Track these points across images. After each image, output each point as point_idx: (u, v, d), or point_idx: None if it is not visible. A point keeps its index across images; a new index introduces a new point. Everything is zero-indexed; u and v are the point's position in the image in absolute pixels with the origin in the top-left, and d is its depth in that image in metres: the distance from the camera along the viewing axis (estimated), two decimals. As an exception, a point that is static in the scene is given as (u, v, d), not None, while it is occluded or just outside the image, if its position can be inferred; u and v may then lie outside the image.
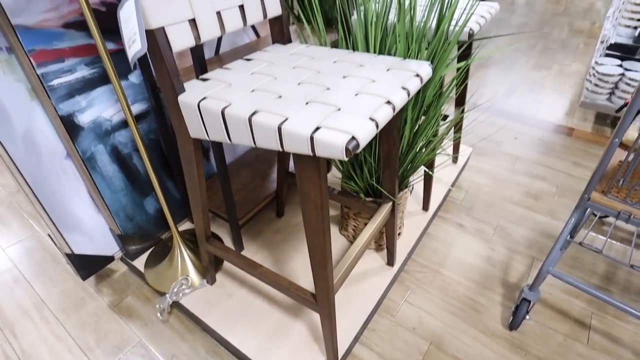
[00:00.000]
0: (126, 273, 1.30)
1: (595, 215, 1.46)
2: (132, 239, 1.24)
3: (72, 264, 1.15)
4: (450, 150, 1.75)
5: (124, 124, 1.09)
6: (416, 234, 1.33)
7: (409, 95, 0.70)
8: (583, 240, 1.15)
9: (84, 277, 1.21)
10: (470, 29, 1.02)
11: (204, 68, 0.88)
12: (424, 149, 1.11)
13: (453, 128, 1.48)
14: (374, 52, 0.93)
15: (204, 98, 0.70)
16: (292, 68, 0.80)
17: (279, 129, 0.60)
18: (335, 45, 1.25)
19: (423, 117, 1.04)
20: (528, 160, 1.88)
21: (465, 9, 1.02)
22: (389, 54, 0.93)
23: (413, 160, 1.08)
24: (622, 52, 2.16)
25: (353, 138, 0.56)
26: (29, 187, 1.00)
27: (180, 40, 0.70)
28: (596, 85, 2.08)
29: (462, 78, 1.28)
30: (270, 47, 0.94)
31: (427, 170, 1.24)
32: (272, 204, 1.47)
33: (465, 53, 1.19)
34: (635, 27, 2.26)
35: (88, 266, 1.20)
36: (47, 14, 0.87)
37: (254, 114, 0.63)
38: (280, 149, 0.63)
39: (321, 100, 0.66)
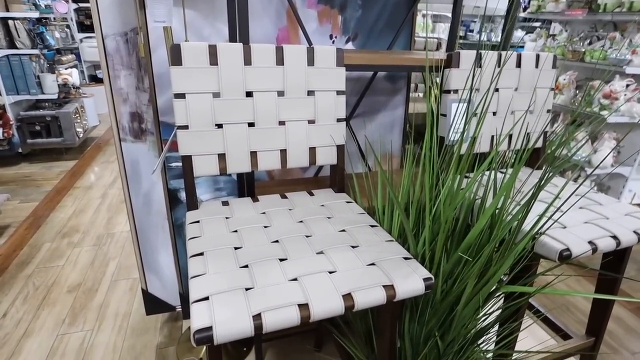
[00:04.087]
0: (183, 326, 1.45)
1: None
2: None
3: (143, 298, 1.39)
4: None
5: (215, 208, 1.28)
6: None
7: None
8: None
9: (148, 313, 1.42)
10: (567, 249, 0.73)
11: (250, 187, 0.96)
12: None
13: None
14: (395, 232, 0.78)
15: (197, 222, 0.77)
16: (296, 222, 0.78)
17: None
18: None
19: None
20: None
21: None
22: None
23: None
24: None
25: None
26: (135, 228, 1.30)
27: (204, 170, 0.81)
28: None
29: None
30: (321, 190, 0.94)
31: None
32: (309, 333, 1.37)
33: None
34: None
35: (154, 305, 1.41)
36: (183, 118, 1.16)
37: (197, 255, 0.65)
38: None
39: (258, 268, 0.61)
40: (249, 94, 0.80)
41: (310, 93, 0.85)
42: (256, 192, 0.98)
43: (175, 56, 0.74)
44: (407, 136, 1.43)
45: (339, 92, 0.87)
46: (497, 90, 1.03)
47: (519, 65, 1.04)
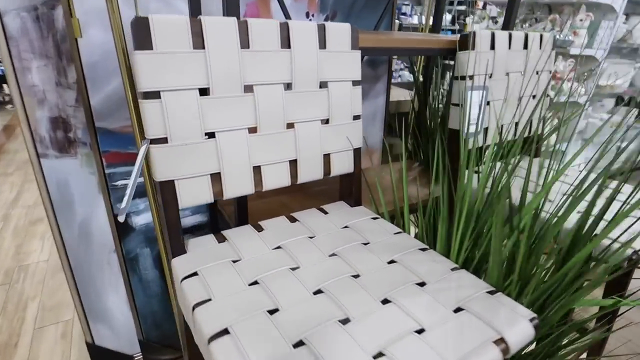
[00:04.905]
0: (140, 378, 1.18)
1: None
2: (153, 348, 1.13)
3: (90, 355, 1.08)
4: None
5: (178, 232, 1.03)
6: None
7: (472, 384, 0.41)
8: None
9: (95, 372, 1.12)
10: (636, 253, 0.66)
11: (243, 211, 0.74)
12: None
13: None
14: (455, 255, 0.65)
15: (193, 274, 0.54)
16: (328, 255, 0.59)
17: (227, 386, 0.38)
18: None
19: None
20: None
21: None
22: (478, 269, 0.63)
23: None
24: None
25: None
26: (70, 269, 0.99)
27: (192, 198, 0.58)
28: None
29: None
30: (333, 205, 0.76)
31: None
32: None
33: (618, 279, 0.77)
34: None
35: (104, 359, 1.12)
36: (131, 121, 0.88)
37: (219, 334, 0.44)
38: (229, 409, 0.40)
39: (322, 343, 0.42)
40: (247, 89, 0.58)
41: (323, 85, 0.66)
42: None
43: (142, 36, 0.49)
44: (390, 127, 1.30)
45: (354, 83, 0.69)
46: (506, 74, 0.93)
47: (525, 46, 0.95)
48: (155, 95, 0.52)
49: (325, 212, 0.73)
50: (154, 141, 0.53)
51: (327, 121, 0.68)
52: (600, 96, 2.72)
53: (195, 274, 0.54)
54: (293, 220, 0.70)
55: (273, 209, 0.94)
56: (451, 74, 1.13)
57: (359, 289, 0.52)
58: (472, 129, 0.87)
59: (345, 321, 0.46)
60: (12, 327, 1.36)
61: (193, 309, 0.48)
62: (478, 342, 0.44)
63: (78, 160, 0.90)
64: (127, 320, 1.10)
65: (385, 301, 0.50)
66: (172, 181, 0.55)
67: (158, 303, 1.08)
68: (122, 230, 0.96)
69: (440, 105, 1.18)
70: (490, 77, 0.89)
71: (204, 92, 0.55)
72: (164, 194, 0.55)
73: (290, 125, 0.64)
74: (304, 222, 0.69)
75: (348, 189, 0.76)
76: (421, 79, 1.25)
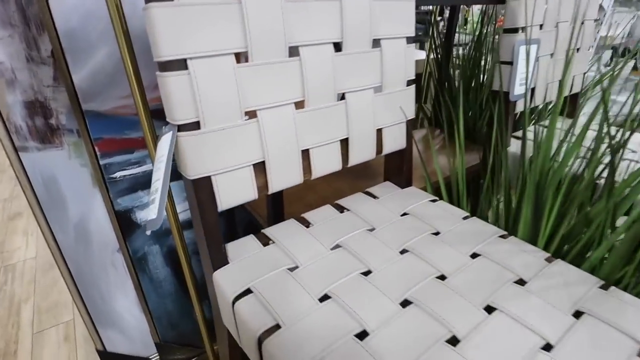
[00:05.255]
0: (158, 379, 1.09)
1: None
2: (171, 349, 1.04)
3: (99, 362, 0.99)
4: None
5: (189, 224, 0.91)
6: None
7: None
8: None
9: (108, 379, 1.03)
10: None
11: (278, 202, 0.63)
12: None
13: None
14: (544, 243, 0.56)
15: (246, 292, 0.43)
16: (399, 252, 0.49)
17: None
18: (475, 175, 0.91)
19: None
20: None
21: None
22: (580, 258, 0.54)
23: None
24: None
25: None
26: (70, 274, 0.87)
27: (233, 196, 0.46)
28: None
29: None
30: (379, 188, 0.65)
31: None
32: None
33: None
34: None
35: (116, 367, 1.02)
36: (125, 100, 0.74)
37: (302, 375, 0.34)
38: None
39: (435, 387, 0.33)
40: (292, 52, 0.46)
41: (375, 44, 0.53)
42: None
43: (159, -17, 0.36)
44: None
45: (408, 40, 0.57)
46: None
47: (574, -11, 0.83)
48: (180, 65, 0.39)
49: (375, 197, 0.63)
50: (182, 127, 0.41)
51: (379, 88, 0.56)
52: (599, 48, 2.64)
53: (249, 291, 0.43)
54: (341, 209, 0.59)
55: (297, 192, 0.83)
56: (478, 26, 1.01)
57: (452, 294, 0.43)
58: (522, 90, 0.76)
59: (453, 341, 0.37)
60: (7, 333, 1.24)
61: (260, 340, 0.38)
62: (622, 358, 0.35)
63: (65, 151, 0.76)
64: (139, 323, 1.00)
65: (489, 309, 0.41)
66: (209, 177, 0.44)
67: (172, 303, 0.98)
68: (125, 228, 0.84)
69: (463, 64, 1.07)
70: (541, 28, 0.78)
71: (242, 57, 0.42)
72: (199, 194, 0.43)
73: (339, 97, 0.52)
74: (355, 211, 0.58)
75: (396, 167, 0.66)
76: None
